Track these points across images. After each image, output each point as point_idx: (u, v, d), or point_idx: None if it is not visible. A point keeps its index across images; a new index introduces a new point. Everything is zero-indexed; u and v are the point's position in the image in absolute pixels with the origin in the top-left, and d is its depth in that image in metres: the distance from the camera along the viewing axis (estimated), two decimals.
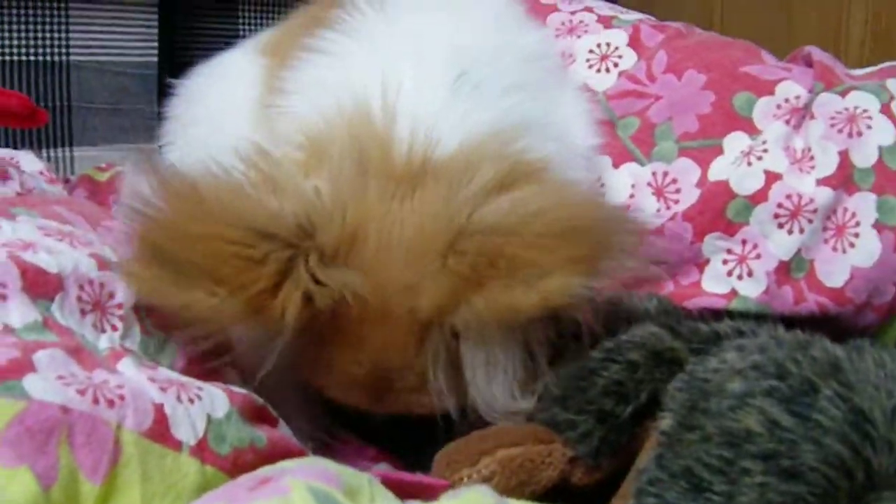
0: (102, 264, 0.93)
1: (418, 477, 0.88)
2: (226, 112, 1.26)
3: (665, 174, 1.25)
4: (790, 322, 1.09)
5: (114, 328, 0.90)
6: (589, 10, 1.46)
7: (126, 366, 0.84)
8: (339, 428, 1.19)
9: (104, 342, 0.88)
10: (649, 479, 0.86)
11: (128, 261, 0.92)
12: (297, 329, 0.89)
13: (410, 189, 0.91)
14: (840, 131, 1.21)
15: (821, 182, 1.19)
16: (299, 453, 0.92)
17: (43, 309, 0.84)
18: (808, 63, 1.33)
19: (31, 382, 0.74)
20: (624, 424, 0.95)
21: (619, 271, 0.90)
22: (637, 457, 0.93)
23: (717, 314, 1.16)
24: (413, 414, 1.00)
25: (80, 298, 0.88)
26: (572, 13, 1.44)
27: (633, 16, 1.46)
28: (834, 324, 1.19)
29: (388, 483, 0.78)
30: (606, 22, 1.43)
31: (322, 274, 0.88)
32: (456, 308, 0.89)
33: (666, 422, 0.90)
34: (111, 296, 0.91)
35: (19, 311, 0.82)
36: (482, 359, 0.94)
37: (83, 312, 0.88)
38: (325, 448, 1.11)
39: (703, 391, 0.88)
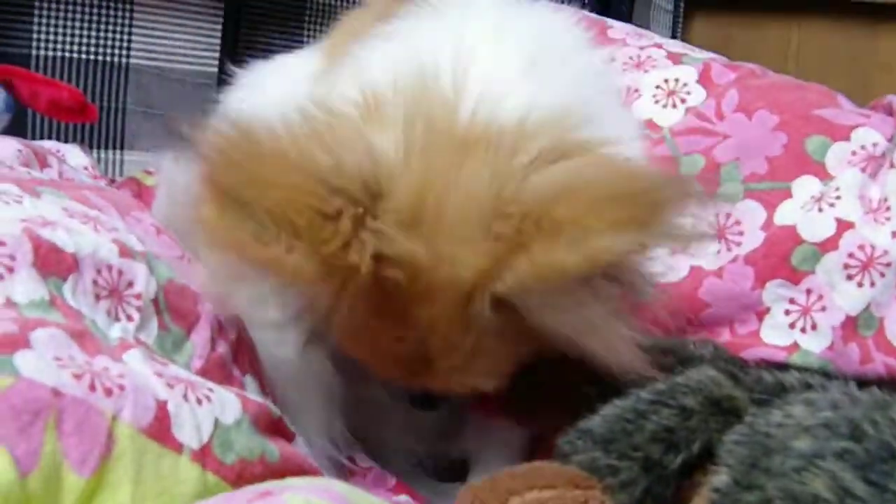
0: (125, 251, 0.87)
1: None
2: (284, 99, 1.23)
3: (728, 215, 1.19)
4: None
5: (129, 318, 0.85)
6: (658, 46, 1.42)
7: (133, 357, 0.78)
8: (361, 454, 1.15)
9: (116, 331, 0.83)
10: None
11: (200, 205, 0.87)
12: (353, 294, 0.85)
13: (468, 156, 0.87)
14: None
15: None
16: (314, 472, 0.85)
17: (53, 287, 0.79)
18: (889, 112, 1.27)
19: (23, 359, 0.68)
20: (671, 475, 0.85)
21: (670, 232, 0.84)
22: None
23: (779, 365, 1.09)
24: (453, 393, 0.96)
25: (95, 283, 0.83)
26: (641, 48, 1.41)
27: (704, 54, 1.41)
28: None
29: None
30: (676, 59, 1.39)
31: (392, 238, 0.83)
32: (499, 274, 0.83)
33: (720, 478, 0.80)
34: (130, 284, 0.86)
35: (25, 286, 0.77)
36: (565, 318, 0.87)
37: (97, 297, 0.83)
38: (345, 474, 1.09)
39: (764, 447, 0.79)
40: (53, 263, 0.80)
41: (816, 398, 0.84)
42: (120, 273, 0.86)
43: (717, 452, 0.83)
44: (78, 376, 0.70)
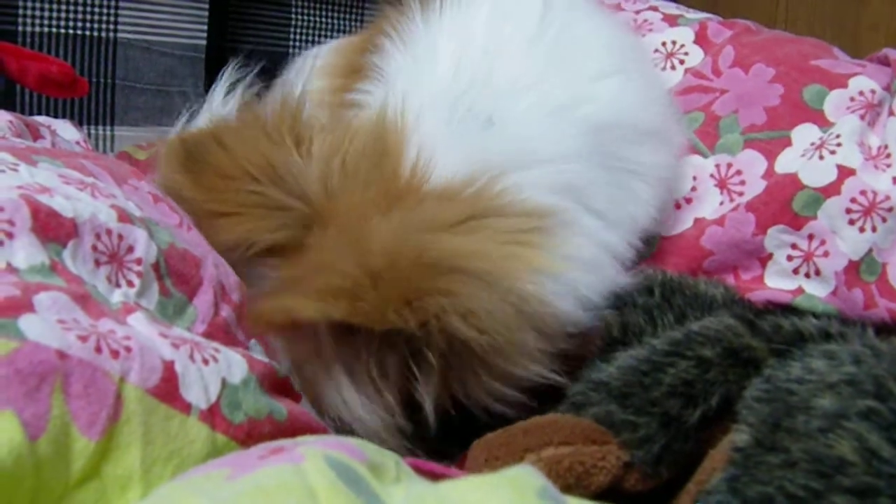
0: (124, 217, 0.86)
1: (449, 470, 0.80)
2: None
3: (729, 166, 1.19)
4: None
5: (130, 284, 0.84)
6: (654, 8, 1.42)
7: (137, 319, 0.77)
8: None
9: (117, 296, 0.82)
10: (719, 503, 0.76)
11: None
12: None
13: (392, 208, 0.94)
14: None
15: None
16: (322, 431, 0.85)
17: (53, 253, 0.78)
18: (885, 63, 1.27)
19: (27, 323, 0.67)
20: (690, 430, 0.85)
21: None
22: (699, 466, 0.83)
23: (795, 311, 1.09)
24: None
25: (95, 248, 0.82)
26: (637, 12, 1.40)
27: (700, 14, 1.41)
28: None
29: (417, 470, 0.70)
30: (672, 20, 1.39)
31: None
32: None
33: (742, 436, 0.79)
34: (130, 249, 0.85)
35: (25, 252, 0.75)
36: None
37: (97, 263, 0.82)
38: None
39: (787, 405, 0.77)
40: (52, 229, 0.79)
41: (838, 350, 0.82)
42: (120, 238, 0.85)
43: (737, 407, 0.82)
44: (83, 338, 0.69)
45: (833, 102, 1.20)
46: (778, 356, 0.86)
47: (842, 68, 1.24)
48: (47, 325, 0.68)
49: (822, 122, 1.20)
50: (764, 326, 0.91)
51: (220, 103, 1.24)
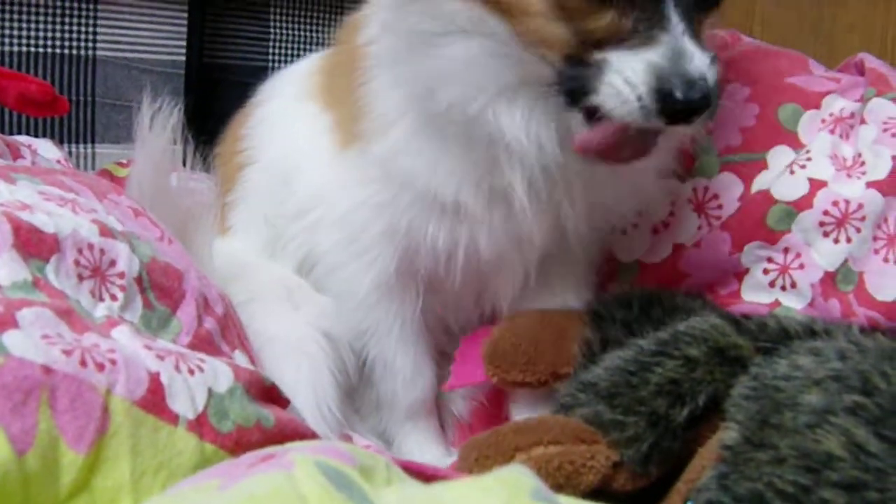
0: (105, 231, 0.87)
1: (440, 470, 0.81)
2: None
3: (706, 189, 1.20)
4: None
5: (113, 297, 0.84)
6: None
7: (121, 332, 0.78)
8: (357, 434, 1.20)
9: (101, 310, 0.82)
10: (709, 501, 0.76)
11: None
12: None
13: None
14: (894, 136, 1.15)
15: (871, 185, 1.13)
16: (312, 436, 0.85)
17: (35, 269, 0.78)
18: (860, 71, 1.27)
19: (11, 338, 0.68)
20: (678, 429, 0.86)
21: None
22: (689, 464, 0.84)
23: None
24: None
25: (77, 262, 0.83)
26: None
27: None
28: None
29: (407, 471, 0.70)
30: None
31: None
32: None
33: (730, 434, 0.80)
34: (112, 263, 0.86)
35: (7, 268, 0.76)
36: None
37: (80, 277, 0.82)
38: None
39: (774, 402, 0.78)
40: (34, 245, 0.79)
41: (823, 347, 0.83)
42: (102, 252, 0.85)
43: (725, 406, 0.83)
44: (68, 352, 0.69)
45: (806, 123, 1.21)
46: (764, 354, 0.88)
47: (816, 85, 1.25)
48: (31, 341, 0.68)
49: (796, 145, 1.20)
50: (749, 325, 0.92)
51: (147, 128, 1.23)
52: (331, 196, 1.19)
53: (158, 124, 1.25)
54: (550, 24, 0.92)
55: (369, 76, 1.12)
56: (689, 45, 0.87)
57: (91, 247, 0.84)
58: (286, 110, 1.33)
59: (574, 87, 0.91)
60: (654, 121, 0.88)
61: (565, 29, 0.91)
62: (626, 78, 0.87)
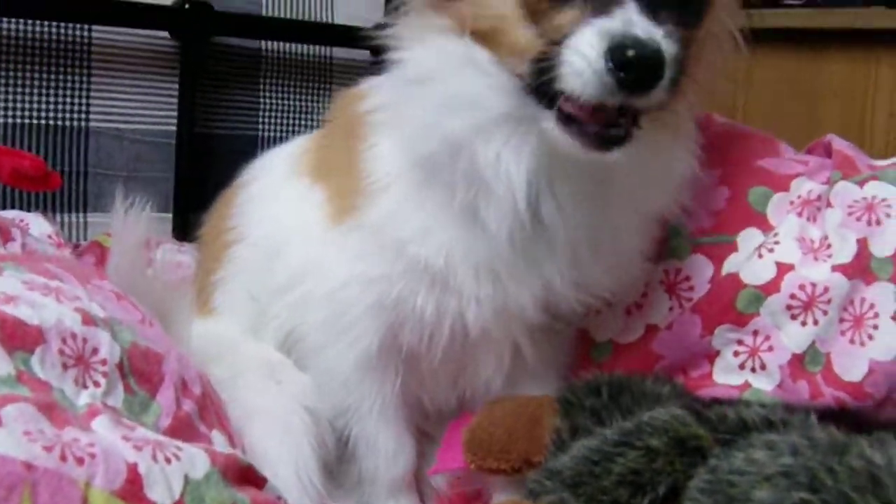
0: (88, 319, 0.90)
1: None
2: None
3: (678, 271, 1.23)
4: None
5: (96, 384, 0.87)
6: None
7: (101, 424, 0.81)
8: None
9: (84, 398, 0.85)
10: None
11: None
12: None
13: None
14: (858, 219, 1.18)
15: (836, 268, 1.16)
16: None
17: (20, 362, 0.81)
18: (828, 153, 1.31)
19: None
20: None
21: None
22: None
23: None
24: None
25: (62, 352, 0.86)
26: None
27: None
28: (853, 416, 1.14)
29: None
30: None
31: None
32: None
33: None
34: (95, 351, 0.89)
35: None
36: None
37: (65, 366, 0.85)
38: None
39: (728, 497, 0.82)
40: (19, 338, 0.82)
41: (778, 441, 0.86)
42: (84, 341, 0.88)
43: (682, 498, 0.86)
44: (49, 448, 0.72)
45: (775, 206, 1.24)
46: (723, 445, 0.90)
47: (785, 168, 1.28)
48: (14, 438, 0.71)
49: (766, 227, 1.23)
50: (710, 415, 0.95)
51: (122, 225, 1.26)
52: (319, 272, 1.21)
53: (132, 219, 1.25)
54: (522, 31, 0.98)
55: (369, 142, 1.16)
56: (641, 18, 0.92)
57: (74, 336, 0.87)
58: (275, 188, 1.35)
59: (542, 82, 0.96)
60: (609, 85, 0.90)
61: (534, 32, 0.97)
62: (580, 50, 0.91)
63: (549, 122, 0.99)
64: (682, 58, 0.95)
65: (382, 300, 1.15)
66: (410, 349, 1.18)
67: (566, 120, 0.97)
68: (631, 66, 0.89)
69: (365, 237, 1.15)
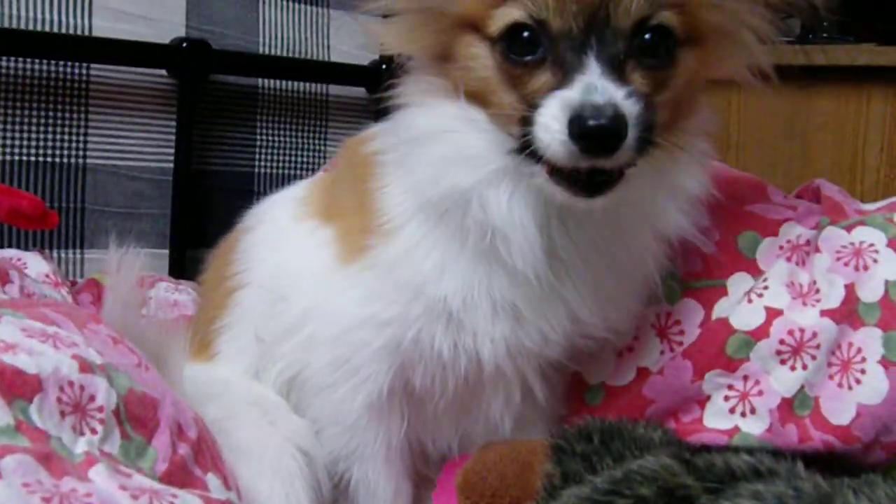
0: (85, 366, 0.91)
1: None
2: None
3: (668, 315, 1.24)
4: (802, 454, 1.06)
5: (93, 431, 0.88)
6: None
7: (98, 473, 0.82)
8: None
9: (81, 446, 0.86)
10: None
11: None
12: None
13: None
14: (846, 265, 1.19)
15: (824, 313, 1.17)
16: None
17: (18, 411, 0.83)
18: (816, 198, 1.32)
19: None
20: None
21: None
22: None
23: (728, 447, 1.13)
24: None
25: (59, 400, 0.87)
26: None
27: None
28: (841, 459, 1.16)
29: None
30: None
31: None
32: None
33: None
34: (92, 398, 0.90)
35: None
36: None
37: (63, 414, 0.87)
38: None
39: None
40: (18, 387, 0.84)
41: (763, 491, 0.88)
42: (82, 388, 0.90)
43: None
44: (47, 499, 0.73)
45: (765, 250, 1.26)
46: (711, 493, 0.91)
47: (774, 213, 1.29)
48: (13, 490, 0.72)
49: (755, 272, 1.25)
50: (699, 464, 0.96)
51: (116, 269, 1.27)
52: (326, 313, 1.21)
53: (128, 259, 1.26)
54: (505, 94, 1.03)
55: (380, 182, 1.17)
56: (602, 82, 0.95)
57: (72, 384, 0.89)
58: (281, 232, 1.35)
59: (526, 146, 1.00)
60: (575, 153, 0.95)
61: (515, 95, 1.02)
62: (545, 120, 0.96)
63: (539, 177, 1.02)
64: (649, 114, 0.97)
65: (395, 342, 1.15)
66: (421, 390, 1.18)
67: (554, 172, 1.00)
68: (591, 135, 0.93)
69: (378, 277, 1.15)
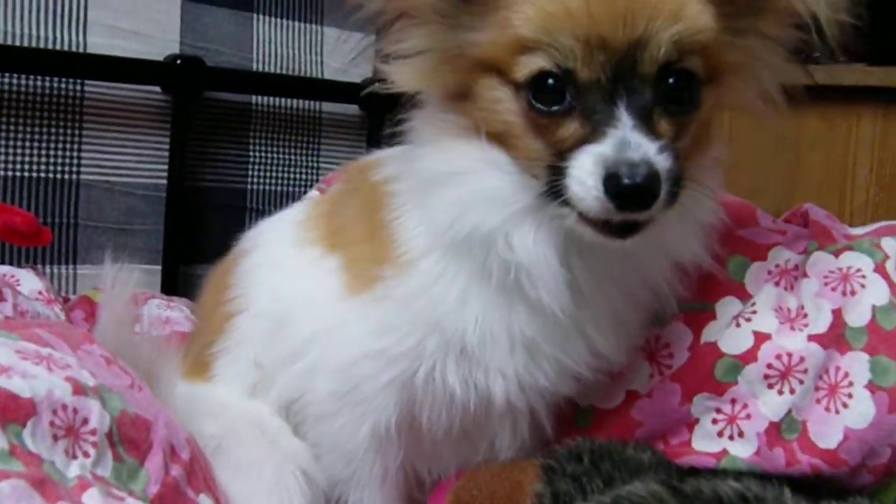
0: (78, 389, 0.92)
1: None
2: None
3: (658, 338, 1.25)
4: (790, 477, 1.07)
5: (86, 455, 0.89)
6: None
7: (91, 497, 0.83)
8: None
9: (74, 469, 0.87)
10: None
11: None
12: None
13: None
14: (834, 290, 1.21)
15: (812, 338, 1.18)
16: None
17: (12, 435, 0.83)
18: (805, 222, 1.33)
19: None
20: None
21: None
22: None
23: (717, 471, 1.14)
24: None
25: (52, 423, 0.88)
26: None
27: None
28: (828, 483, 1.16)
29: None
30: None
31: None
32: None
33: None
34: (85, 421, 0.91)
35: None
36: None
37: (55, 438, 0.87)
38: None
39: None
40: (12, 411, 0.84)
41: None
42: (75, 411, 0.90)
43: None
44: None
45: (753, 274, 1.26)
46: None
47: (763, 237, 1.30)
48: None
49: (744, 296, 1.25)
50: (686, 490, 0.97)
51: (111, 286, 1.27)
52: (331, 342, 1.19)
53: (122, 277, 1.26)
54: (531, 141, 1.02)
55: (394, 213, 1.16)
56: (635, 136, 0.96)
57: (65, 407, 0.89)
58: (280, 256, 1.33)
59: (555, 192, 1.00)
60: (610, 209, 0.96)
61: (541, 143, 1.01)
62: (579, 174, 0.97)
63: (570, 220, 1.02)
64: (677, 167, 0.98)
65: (405, 376, 1.13)
66: (427, 424, 1.17)
67: (586, 218, 1.00)
68: (626, 194, 0.94)
69: (391, 310, 1.14)
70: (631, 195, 0.94)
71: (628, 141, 0.95)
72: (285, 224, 1.37)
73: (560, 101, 1.00)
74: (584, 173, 0.96)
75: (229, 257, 1.40)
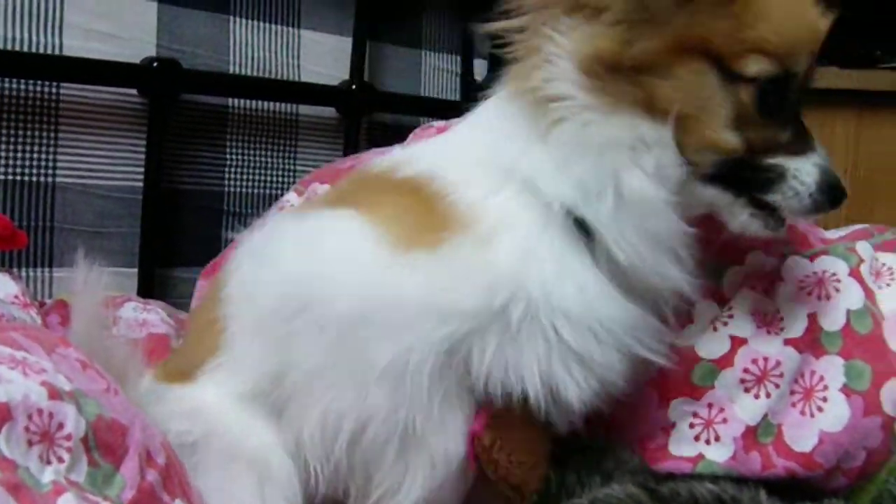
0: (54, 393, 0.91)
1: None
2: None
3: None
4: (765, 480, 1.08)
5: (60, 460, 0.88)
6: None
7: (66, 502, 0.82)
8: None
9: (49, 475, 0.86)
10: None
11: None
12: None
13: None
14: (809, 294, 1.22)
15: (788, 342, 1.19)
16: None
17: None
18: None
19: None
20: None
21: None
22: None
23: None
24: None
25: (27, 429, 0.87)
26: None
27: None
28: (804, 486, 1.17)
29: None
30: None
31: None
32: None
33: None
34: (60, 426, 0.90)
35: None
36: None
37: (30, 443, 0.87)
38: None
39: None
40: None
41: None
42: (51, 416, 0.90)
43: None
44: None
45: (731, 279, 1.27)
46: None
47: (740, 242, 1.25)
48: None
49: (721, 300, 1.26)
50: (663, 492, 0.98)
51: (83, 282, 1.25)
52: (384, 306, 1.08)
53: (93, 280, 1.25)
54: (727, 133, 1.08)
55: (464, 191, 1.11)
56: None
57: (41, 412, 0.89)
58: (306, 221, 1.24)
59: (745, 184, 1.11)
60: (821, 208, 1.12)
61: (739, 138, 1.08)
62: (802, 180, 1.10)
63: (743, 212, 1.12)
64: None
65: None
66: None
67: (759, 209, 1.12)
68: (836, 195, 1.11)
69: (466, 267, 1.07)
70: (839, 198, 1.11)
71: (825, 155, 1.12)
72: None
73: (781, 107, 1.09)
74: (807, 175, 1.09)
75: (222, 272, 1.33)
